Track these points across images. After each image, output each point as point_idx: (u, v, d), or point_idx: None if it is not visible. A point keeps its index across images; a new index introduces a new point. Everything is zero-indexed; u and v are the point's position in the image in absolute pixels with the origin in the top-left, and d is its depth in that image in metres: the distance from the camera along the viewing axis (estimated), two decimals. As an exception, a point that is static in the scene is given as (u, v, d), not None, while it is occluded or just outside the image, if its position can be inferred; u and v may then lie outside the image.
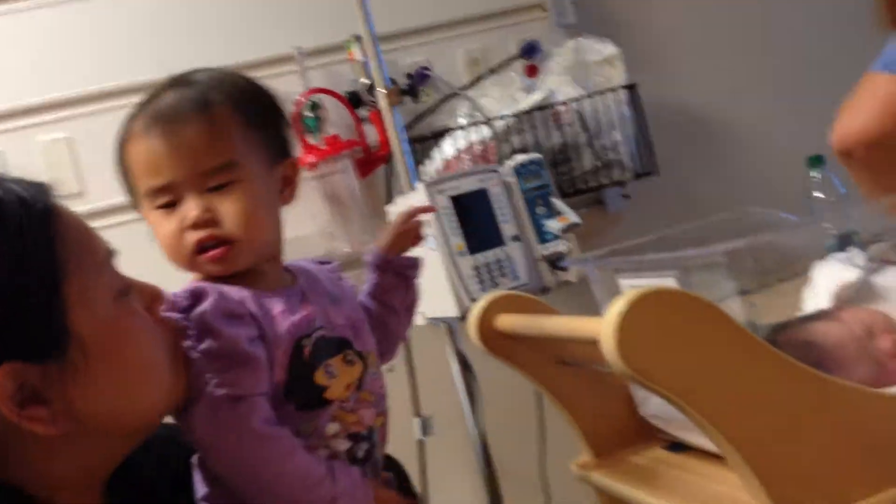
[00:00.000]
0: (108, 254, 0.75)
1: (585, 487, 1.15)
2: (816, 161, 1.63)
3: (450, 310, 1.31)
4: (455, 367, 1.57)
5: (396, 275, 1.05)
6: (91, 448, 0.73)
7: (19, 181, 0.71)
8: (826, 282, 0.99)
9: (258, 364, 0.82)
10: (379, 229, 1.75)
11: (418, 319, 1.47)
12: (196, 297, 0.83)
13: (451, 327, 1.56)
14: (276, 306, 0.87)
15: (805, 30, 2.20)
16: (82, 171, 1.77)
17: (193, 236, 0.85)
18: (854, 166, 0.85)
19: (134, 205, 0.91)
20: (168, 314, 0.82)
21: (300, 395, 0.85)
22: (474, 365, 1.59)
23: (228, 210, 0.86)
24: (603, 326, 0.70)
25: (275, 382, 0.84)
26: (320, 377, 0.86)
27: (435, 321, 1.43)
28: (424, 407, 1.70)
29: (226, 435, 0.79)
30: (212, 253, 0.86)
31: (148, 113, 0.86)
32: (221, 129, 0.87)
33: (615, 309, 0.70)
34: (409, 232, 1.05)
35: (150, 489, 0.80)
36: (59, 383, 0.68)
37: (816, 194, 1.69)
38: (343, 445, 0.87)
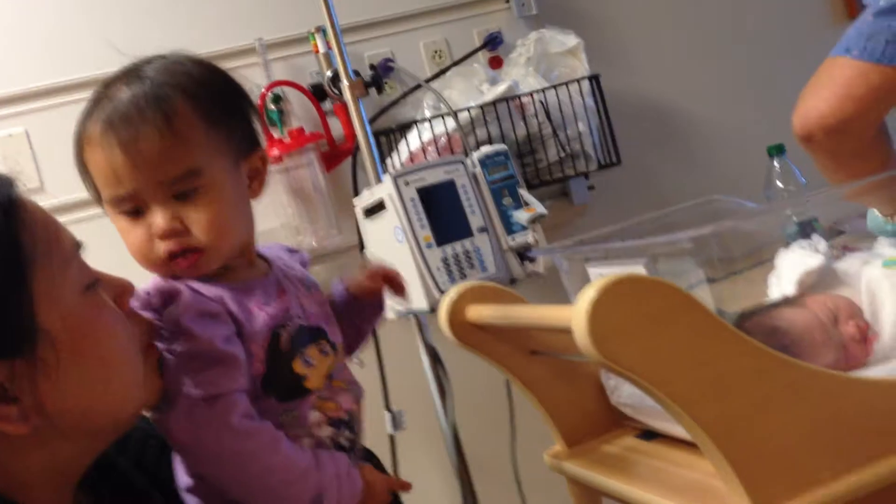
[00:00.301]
0: (75, 246, 0.74)
1: (557, 477, 1.15)
2: (776, 150, 1.65)
3: (419, 302, 1.31)
4: (425, 361, 1.56)
5: (361, 311, 1.04)
6: (63, 446, 0.71)
7: None
8: (790, 269, 1.00)
9: (234, 362, 0.81)
10: (345, 222, 1.75)
11: (388, 313, 1.46)
12: (168, 295, 0.82)
13: (421, 320, 1.56)
14: (253, 299, 0.86)
15: (766, 20, 2.23)
16: (41, 165, 1.73)
17: (163, 246, 0.83)
18: (815, 150, 0.86)
19: (97, 202, 0.89)
20: (141, 312, 0.80)
21: (280, 385, 0.85)
22: (444, 358, 1.59)
23: (196, 219, 0.83)
24: (574, 314, 0.70)
25: (253, 376, 0.83)
26: (298, 366, 0.86)
27: (404, 314, 1.42)
28: (395, 401, 1.69)
29: (205, 434, 0.78)
30: (183, 261, 0.84)
31: (103, 114, 0.83)
32: (181, 133, 0.83)
33: (586, 296, 0.70)
34: (377, 289, 1.04)
35: (125, 484, 0.79)
36: (27, 380, 0.66)
37: (777, 183, 1.71)
38: (326, 432, 0.88)
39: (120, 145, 0.81)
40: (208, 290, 0.84)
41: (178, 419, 0.78)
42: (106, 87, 0.86)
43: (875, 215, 0.99)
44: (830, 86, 0.84)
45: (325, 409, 0.88)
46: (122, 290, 0.77)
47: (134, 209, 0.84)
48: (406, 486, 0.96)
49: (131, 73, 0.86)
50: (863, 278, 0.96)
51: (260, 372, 0.84)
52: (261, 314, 0.85)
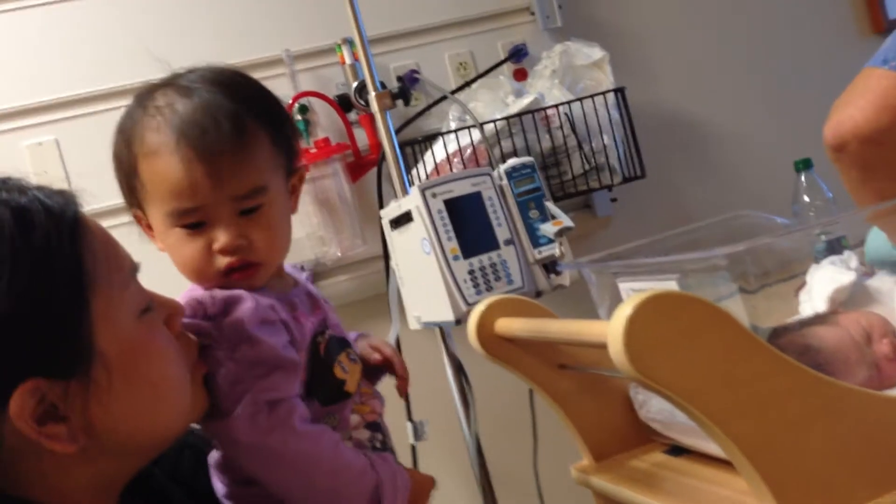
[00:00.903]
0: (133, 268, 0.75)
1: (579, 491, 1.15)
2: (804, 165, 1.65)
3: (445, 314, 1.31)
4: (449, 371, 1.56)
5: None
6: (107, 464, 0.72)
7: (44, 189, 0.69)
8: (821, 285, 1.00)
9: (294, 367, 0.83)
10: (370, 233, 1.76)
11: (413, 324, 1.47)
12: (230, 303, 0.83)
13: (445, 331, 1.56)
14: (297, 308, 0.89)
15: (792, 34, 2.22)
16: (71, 173, 1.75)
17: (224, 261, 0.85)
18: (845, 162, 0.86)
19: (132, 206, 0.89)
20: (191, 321, 0.81)
21: (323, 390, 0.87)
22: (467, 369, 1.59)
23: (259, 235, 0.85)
24: (611, 330, 0.70)
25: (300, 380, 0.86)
26: (339, 371, 0.89)
27: (430, 325, 1.42)
28: (417, 411, 1.69)
29: (271, 438, 0.80)
30: (239, 275, 0.86)
31: (169, 125, 0.83)
32: (255, 151, 0.85)
33: (623, 312, 0.70)
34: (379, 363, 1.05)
35: (161, 495, 0.79)
36: (80, 401, 0.67)
37: (804, 198, 1.71)
38: (364, 435, 0.91)
39: (199, 158, 0.82)
40: (263, 299, 0.85)
41: (243, 424, 0.79)
42: (154, 97, 0.85)
43: (877, 245, 0.98)
44: (867, 95, 0.83)
45: (362, 412, 0.91)
46: (173, 311, 0.78)
47: (196, 222, 0.84)
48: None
49: (180, 85, 0.86)
50: (895, 295, 0.95)
51: (302, 378, 0.86)
52: (307, 323, 0.88)
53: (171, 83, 0.87)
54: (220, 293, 0.84)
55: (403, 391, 1.05)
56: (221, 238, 0.84)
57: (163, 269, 0.87)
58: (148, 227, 0.90)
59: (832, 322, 0.93)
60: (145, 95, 0.87)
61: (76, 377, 0.66)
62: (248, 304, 0.83)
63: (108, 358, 0.68)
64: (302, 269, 1.04)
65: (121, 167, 0.87)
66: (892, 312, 0.94)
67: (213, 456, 0.87)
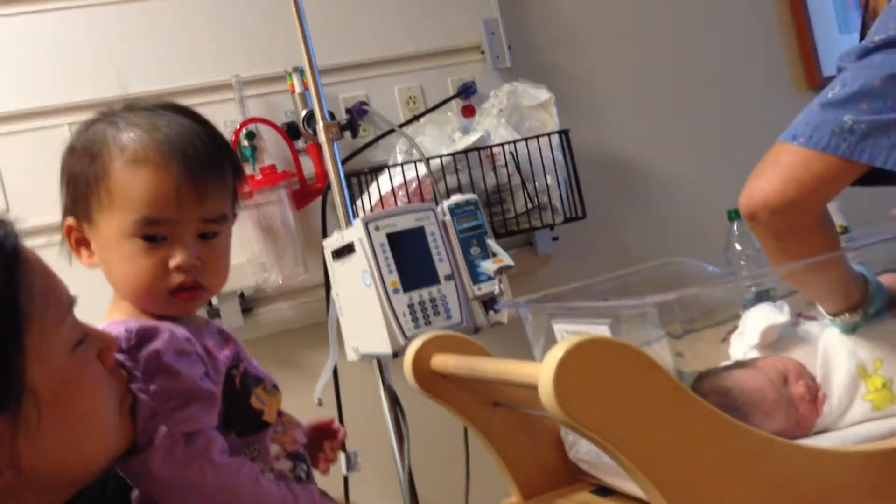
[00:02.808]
0: (70, 302, 0.74)
1: (509, 527, 1.16)
2: (736, 214, 1.70)
3: (383, 346, 1.32)
4: (384, 403, 1.56)
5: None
6: (31, 497, 0.70)
7: None
8: (755, 322, 1.04)
9: (212, 399, 0.83)
10: (312, 261, 1.75)
11: (350, 355, 1.47)
12: (146, 335, 0.83)
13: (382, 363, 1.56)
14: (209, 342, 0.89)
15: (732, 86, 2.30)
16: (7, 190, 1.71)
17: (177, 279, 0.87)
18: (758, 230, 0.91)
19: (73, 216, 0.89)
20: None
21: (241, 421, 0.87)
22: (403, 401, 1.59)
23: (212, 261, 0.89)
24: (542, 372, 0.72)
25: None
26: (255, 402, 0.89)
27: (367, 357, 1.43)
28: (351, 442, 1.68)
29: (188, 471, 0.79)
30: (185, 295, 0.88)
31: (162, 142, 0.86)
32: (226, 179, 0.91)
33: (554, 356, 0.72)
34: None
35: None
36: (8, 436, 0.66)
37: (736, 246, 1.76)
38: (286, 465, 0.90)
39: (189, 175, 0.86)
40: (179, 330, 0.86)
41: (159, 457, 0.78)
42: (124, 116, 0.89)
43: None
44: (776, 169, 0.88)
45: (283, 441, 0.91)
46: (106, 345, 0.77)
47: (160, 235, 0.86)
48: None
49: (148, 109, 0.90)
50: (820, 341, 0.99)
51: (219, 410, 0.86)
52: (220, 356, 0.88)
53: (136, 108, 0.90)
54: (134, 325, 0.84)
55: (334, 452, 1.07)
56: (180, 256, 0.86)
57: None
58: (78, 242, 0.90)
59: (751, 366, 0.97)
60: (110, 115, 0.89)
61: (5, 412, 0.65)
62: (163, 335, 0.83)
63: (40, 394, 0.67)
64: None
65: (76, 179, 0.88)
66: (816, 357, 0.99)
67: (136, 493, 0.85)
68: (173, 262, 0.86)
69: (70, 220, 0.90)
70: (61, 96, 1.71)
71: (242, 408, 0.88)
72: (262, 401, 0.90)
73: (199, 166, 0.87)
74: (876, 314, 0.96)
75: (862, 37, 1.12)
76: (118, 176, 0.86)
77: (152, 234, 0.86)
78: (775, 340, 1.05)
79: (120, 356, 0.81)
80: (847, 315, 0.96)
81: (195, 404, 0.81)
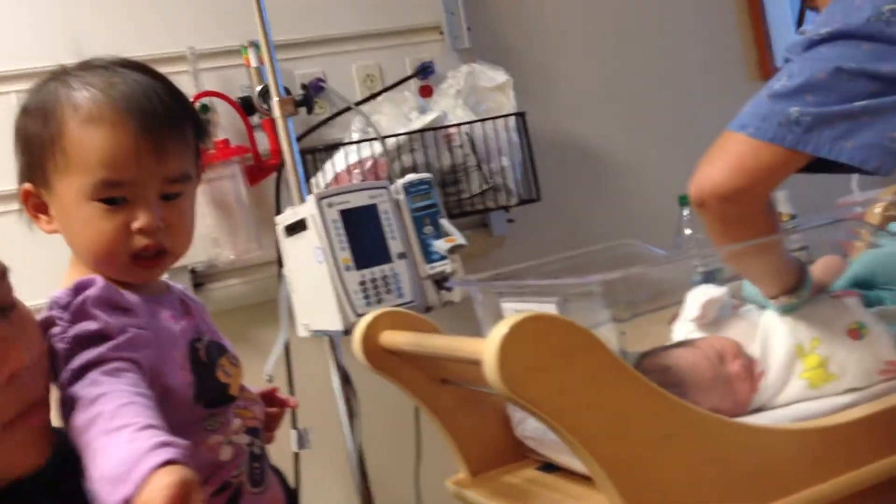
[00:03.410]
0: (1, 272, 0.72)
1: (457, 504, 1.17)
2: (687, 200, 1.73)
3: (334, 323, 1.32)
4: (336, 381, 1.56)
5: None
6: None
7: None
8: (695, 298, 1.07)
9: (134, 340, 0.78)
10: (265, 238, 1.74)
11: (301, 331, 1.47)
12: (81, 287, 0.80)
13: (334, 341, 1.56)
14: (165, 311, 0.87)
15: (686, 74, 2.33)
16: None
17: (141, 241, 0.84)
18: (706, 216, 0.93)
19: (30, 181, 0.86)
20: (46, 314, 0.79)
21: (208, 393, 0.86)
22: (354, 379, 1.59)
23: (175, 222, 0.86)
24: (485, 348, 0.73)
25: (185, 382, 0.84)
26: (221, 375, 0.88)
27: (318, 333, 1.42)
28: (302, 419, 1.68)
29: (73, 388, 0.74)
30: (148, 262, 0.85)
31: (117, 99, 0.82)
32: (187, 138, 0.87)
33: (497, 332, 0.73)
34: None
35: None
36: None
37: (686, 231, 1.79)
38: (244, 440, 0.89)
39: (146, 132, 0.82)
40: (128, 294, 0.84)
41: (61, 384, 0.75)
42: (78, 75, 0.84)
43: (749, 286, 1.06)
44: (725, 158, 0.90)
45: (244, 416, 0.90)
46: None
47: (120, 197, 0.83)
48: None
49: (102, 66, 0.86)
50: (760, 321, 1.02)
51: (189, 380, 0.84)
52: (176, 325, 0.87)
53: (90, 66, 0.86)
54: (79, 279, 0.81)
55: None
56: (143, 218, 0.83)
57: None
58: (36, 208, 0.87)
59: (691, 345, 0.99)
60: (63, 74, 0.85)
61: None
62: (97, 285, 0.80)
63: None
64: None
65: (31, 141, 0.84)
66: (755, 328, 1.01)
67: None
68: (136, 225, 0.83)
69: (27, 186, 0.86)
70: (8, 64, 1.67)
71: (211, 381, 0.87)
72: (228, 373, 0.89)
73: (157, 123, 0.83)
74: (809, 299, 0.99)
75: (798, 25, 1.14)
76: (73, 136, 0.82)
77: (112, 196, 0.82)
78: (718, 320, 1.07)
79: (56, 311, 0.79)
80: (782, 298, 0.99)
81: (102, 344, 0.77)
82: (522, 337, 0.72)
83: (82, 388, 0.73)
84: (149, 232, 0.83)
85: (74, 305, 0.79)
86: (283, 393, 1.06)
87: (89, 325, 0.78)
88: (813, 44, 0.92)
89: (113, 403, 0.70)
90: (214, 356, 0.89)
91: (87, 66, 0.86)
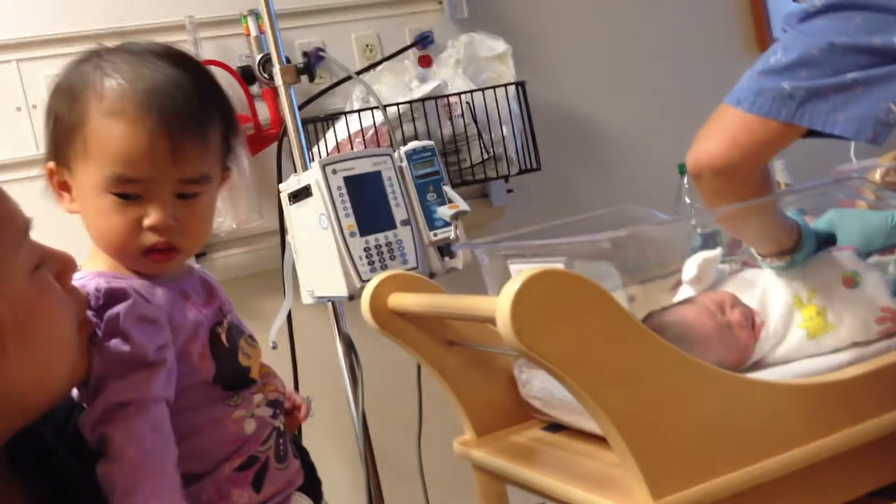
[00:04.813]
0: (26, 225, 0.72)
1: (459, 471, 1.18)
2: (686, 169, 1.74)
3: (339, 289, 1.32)
4: (339, 348, 1.58)
5: None
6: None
7: None
8: (693, 260, 1.09)
9: (160, 369, 0.80)
10: (267, 207, 1.74)
11: (306, 298, 1.47)
12: (114, 297, 0.81)
13: (338, 308, 1.57)
14: (188, 300, 0.88)
15: (685, 45, 2.33)
16: None
17: (152, 238, 0.83)
18: (702, 188, 0.95)
19: (55, 160, 0.85)
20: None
21: (230, 377, 0.87)
22: (357, 346, 1.60)
23: (189, 222, 0.85)
24: (499, 304, 0.74)
25: (205, 372, 0.85)
26: (242, 359, 0.89)
27: (322, 300, 1.43)
28: (304, 387, 1.70)
29: (106, 428, 0.77)
30: (159, 256, 0.85)
31: (142, 92, 0.81)
32: (212, 138, 0.85)
33: (510, 287, 0.74)
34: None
35: (47, 452, 0.78)
36: None
37: (685, 199, 1.80)
38: (266, 412, 0.90)
39: (165, 132, 0.80)
40: (150, 291, 0.84)
41: (89, 421, 0.78)
42: (111, 60, 0.83)
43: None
44: (721, 131, 0.92)
45: (266, 391, 0.91)
46: (64, 266, 0.76)
47: (134, 194, 0.82)
48: None
49: (139, 53, 0.84)
50: (760, 277, 1.04)
51: (210, 368, 0.85)
52: (200, 315, 0.87)
53: (126, 50, 0.85)
54: (103, 286, 0.82)
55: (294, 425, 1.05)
56: (155, 215, 0.82)
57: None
58: (60, 186, 0.87)
59: (691, 301, 1.01)
60: (97, 57, 0.84)
61: None
62: (128, 299, 0.81)
63: (2, 321, 0.67)
64: None
65: (58, 121, 0.84)
66: (753, 285, 1.04)
67: None
68: (147, 222, 0.83)
69: (51, 164, 0.86)
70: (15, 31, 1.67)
71: (230, 363, 0.87)
72: (248, 354, 0.90)
73: (177, 123, 0.81)
74: (804, 259, 1.01)
75: None
76: (94, 127, 0.81)
77: (126, 191, 0.82)
78: (716, 283, 1.09)
79: (89, 312, 0.80)
80: (776, 258, 1.01)
81: (139, 373, 0.78)
82: (534, 291, 0.74)
83: (126, 437, 0.76)
84: (159, 230, 0.83)
85: (108, 318, 0.79)
86: (295, 395, 1.06)
87: (123, 347, 0.78)
88: (808, 16, 0.93)
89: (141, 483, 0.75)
90: (235, 339, 0.90)
91: (123, 51, 0.85)
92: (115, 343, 0.78)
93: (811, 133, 0.94)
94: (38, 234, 0.75)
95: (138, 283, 0.84)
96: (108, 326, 0.79)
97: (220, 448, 0.86)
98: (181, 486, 0.78)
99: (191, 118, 0.82)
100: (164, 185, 0.82)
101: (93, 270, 0.86)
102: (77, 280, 0.81)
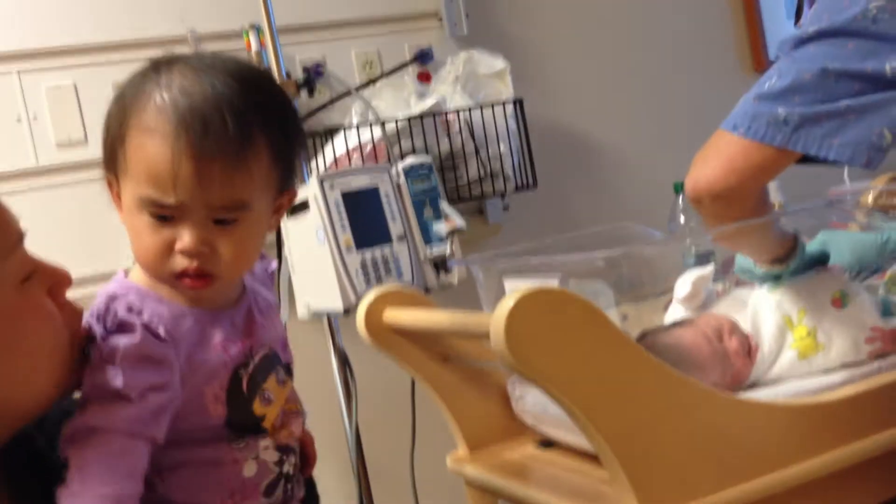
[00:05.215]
0: (18, 236, 0.72)
1: (451, 486, 1.19)
2: (681, 187, 1.75)
3: (334, 303, 1.33)
4: (334, 363, 1.58)
5: None
6: None
7: None
8: (686, 277, 1.10)
9: (142, 406, 0.77)
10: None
11: (301, 311, 1.48)
12: (121, 328, 0.79)
13: (333, 322, 1.58)
14: (217, 335, 0.84)
15: (681, 65, 2.35)
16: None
17: (182, 263, 0.79)
18: (702, 212, 0.97)
19: (109, 169, 0.81)
20: (88, 321, 0.79)
21: (238, 423, 0.84)
22: (351, 361, 1.61)
23: (225, 249, 0.80)
24: (493, 321, 0.75)
25: (216, 415, 0.82)
26: (258, 407, 0.85)
27: (318, 314, 1.44)
28: (298, 401, 1.70)
29: (66, 450, 0.75)
30: (192, 282, 0.80)
31: (177, 110, 0.76)
32: (251, 162, 0.79)
33: (505, 305, 0.74)
34: None
35: (40, 460, 0.78)
36: None
37: (681, 218, 1.82)
38: (272, 456, 0.86)
39: (191, 155, 0.76)
40: (177, 322, 0.81)
41: (63, 441, 0.75)
42: (169, 69, 0.79)
43: (742, 259, 1.10)
44: (718, 157, 0.94)
45: (278, 436, 0.87)
46: (58, 281, 0.76)
47: (168, 215, 0.78)
48: None
49: (198, 66, 0.79)
50: (750, 299, 1.05)
51: (222, 413, 0.82)
52: (224, 356, 0.83)
53: (190, 60, 0.80)
54: (122, 312, 0.79)
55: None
56: (186, 239, 0.78)
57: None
58: (118, 196, 0.83)
59: (689, 325, 1.01)
60: (162, 65, 0.80)
61: None
62: (134, 335, 0.78)
63: None
64: (262, 258, 0.96)
65: (109, 129, 0.81)
66: (744, 305, 1.05)
67: None
68: (178, 246, 0.78)
69: (110, 176, 0.83)
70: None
71: (243, 412, 0.83)
72: (269, 399, 0.85)
73: (209, 146, 0.75)
74: (797, 270, 1.02)
75: (797, 19, 1.17)
76: (131, 144, 0.78)
77: (158, 214, 0.78)
78: (711, 302, 1.10)
79: (98, 328, 0.79)
80: (774, 266, 1.02)
81: (118, 404, 0.76)
82: (529, 309, 0.74)
83: (76, 463, 0.74)
84: (189, 254, 0.79)
85: (108, 349, 0.77)
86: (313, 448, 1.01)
87: (111, 380, 0.76)
88: (801, 42, 0.94)
89: None
90: (258, 382, 0.85)
91: (186, 62, 0.80)
92: (106, 373, 0.76)
93: (807, 158, 0.95)
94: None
95: (166, 312, 0.81)
96: (106, 356, 0.77)
97: (216, 487, 0.83)
98: None
99: (225, 140, 0.76)
100: (196, 208, 0.78)
101: (131, 282, 0.83)
102: (107, 288, 0.81)
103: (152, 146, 0.76)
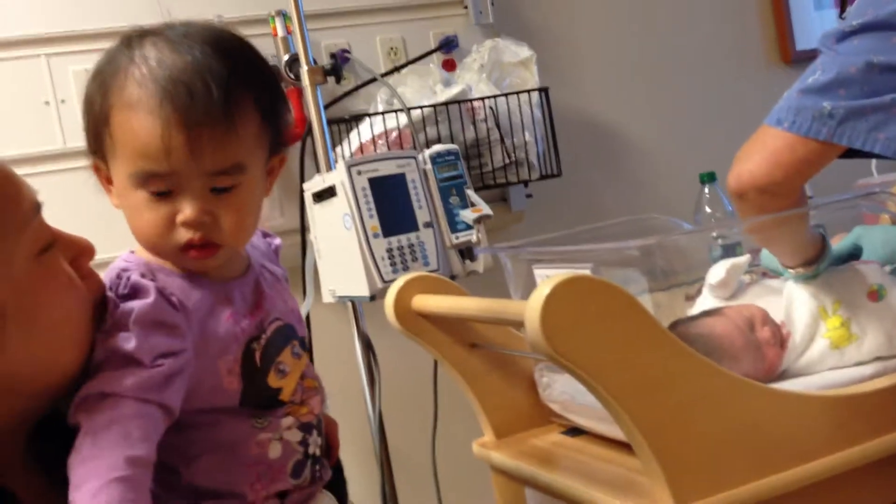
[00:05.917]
0: (35, 207, 0.72)
1: (472, 473, 1.19)
2: (708, 178, 1.74)
3: (360, 289, 1.33)
4: (358, 348, 1.59)
5: None
6: (8, 406, 0.70)
7: None
8: (719, 266, 1.10)
9: (154, 372, 0.76)
10: (288, 206, 1.76)
11: (326, 297, 1.48)
12: (133, 292, 0.79)
13: (357, 307, 1.58)
14: (227, 309, 0.84)
15: (707, 56, 2.33)
16: None
17: (186, 235, 0.79)
18: (745, 207, 0.97)
19: (95, 153, 0.82)
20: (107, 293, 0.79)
21: (255, 398, 0.83)
22: (374, 346, 1.61)
23: (227, 216, 0.80)
24: (528, 308, 0.75)
25: (231, 390, 0.82)
26: (273, 380, 0.85)
27: (343, 299, 1.44)
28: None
29: (80, 417, 0.74)
30: (197, 253, 0.80)
31: (159, 82, 0.76)
32: (241, 125, 0.78)
33: (541, 292, 0.74)
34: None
35: (72, 434, 0.79)
36: None
37: (706, 209, 1.81)
38: (295, 436, 0.86)
39: (180, 123, 0.75)
40: (187, 294, 0.81)
41: (73, 408, 0.74)
42: (142, 43, 0.78)
43: (767, 257, 1.10)
44: (763, 153, 0.94)
45: (298, 413, 0.87)
46: (80, 251, 0.76)
47: (163, 189, 0.78)
48: None
49: (172, 37, 0.79)
50: (785, 288, 1.05)
51: (237, 387, 0.82)
52: (236, 328, 0.83)
53: (163, 33, 0.79)
54: (134, 277, 0.79)
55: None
56: (187, 210, 0.78)
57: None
58: (107, 181, 0.84)
59: (720, 314, 1.01)
60: (134, 40, 0.80)
61: None
62: (148, 299, 0.78)
63: (2, 302, 0.66)
64: (267, 235, 0.97)
65: (90, 111, 0.80)
66: (776, 295, 1.05)
67: None
68: (180, 218, 0.78)
69: (96, 161, 0.83)
70: (35, 27, 1.68)
71: (258, 386, 0.83)
72: (284, 371, 0.85)
73: (196, 113, 0.75)
74: (826, 268, 1.02)
75: (841, 11, 1.16)
76: (116, 121, 0.77)
77: (154, 189, 0.78)
78: (738, 292, 1.10)
79: (110, 294, 0.79)
80: (801, 269, 1.02)
81: (129, 369, 0.75)
82: (565, 297, 0.74)
83: (87, 428, 0.72)
84: (193, 225, 0.79)
85: (121, 312, 0.77)
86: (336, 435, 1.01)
87: (124, 344, 0.75)
88: (845, 35, 0.94)
89: (94, 483, 0.69)
90: (272, 355, 0.85)
91: (159, 34, 0.80)
92: (118, 338, 0.76)
93: (850, 152, 0.95)
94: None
95: (177, 283, 0.81)
96: (118, 320, 0.77)
97: (241, 470, 0.82)
98: (141, 489, 0.72)
99: (211, 106, 0.76)
100: (192, 178, 0.78)
101: (139, 257, 0.83)
102: (115, 263, 0.81)
103: (138, 121, 0.76)
